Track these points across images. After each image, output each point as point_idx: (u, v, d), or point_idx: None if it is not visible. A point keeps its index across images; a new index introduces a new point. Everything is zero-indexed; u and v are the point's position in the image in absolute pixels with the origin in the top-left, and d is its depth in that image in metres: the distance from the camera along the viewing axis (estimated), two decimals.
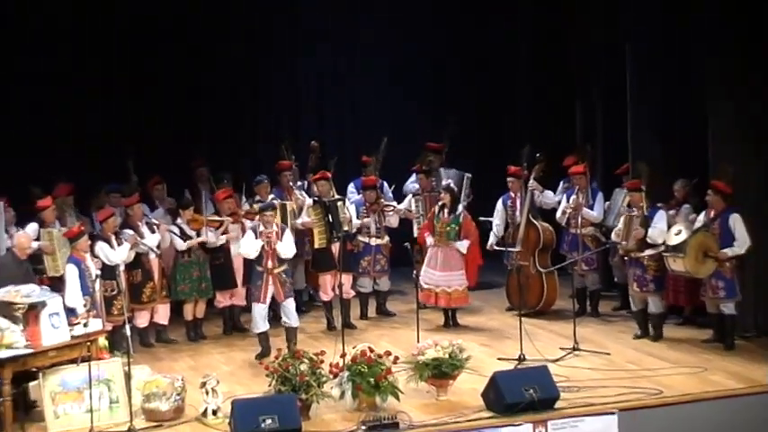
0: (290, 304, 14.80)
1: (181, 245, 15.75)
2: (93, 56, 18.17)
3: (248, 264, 15.81)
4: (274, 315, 16.12)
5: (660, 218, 14.83)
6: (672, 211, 15.06)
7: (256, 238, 14.61)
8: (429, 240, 16.00)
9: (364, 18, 19.52)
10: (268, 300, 14.66)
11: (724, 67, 15.08)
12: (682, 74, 15.89)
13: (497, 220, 16.66)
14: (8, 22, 17.54)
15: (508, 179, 16.63)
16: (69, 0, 17.98)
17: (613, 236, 15.42)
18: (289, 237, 14.88)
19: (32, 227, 14.86)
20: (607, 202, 16.41)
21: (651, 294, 15.06)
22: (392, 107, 19.17)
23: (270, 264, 14.58)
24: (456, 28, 19.97)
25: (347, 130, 19.48)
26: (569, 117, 18.15)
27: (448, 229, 15.92)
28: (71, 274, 13.75)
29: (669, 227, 14.75)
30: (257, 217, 15.07)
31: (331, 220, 15.88)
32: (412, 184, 17.42)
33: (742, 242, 14.35)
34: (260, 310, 14.73)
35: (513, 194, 16.61)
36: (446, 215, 15.95)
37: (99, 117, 17.87)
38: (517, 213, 16.48)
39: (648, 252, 14.80)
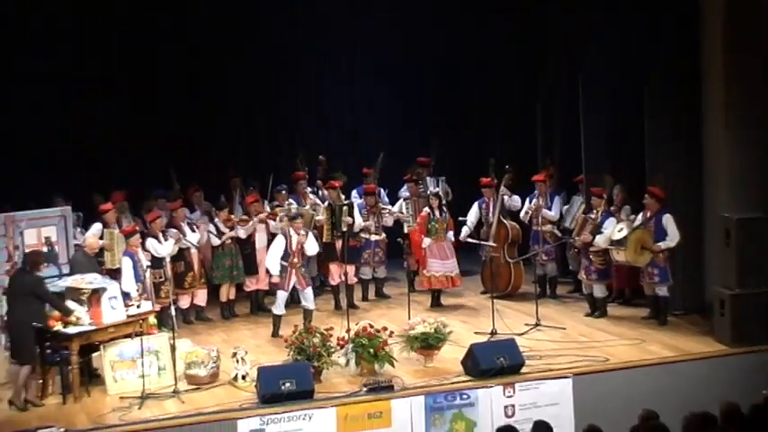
0: (309, 291, 14.78)
1: (216, 241, 15.74)
2: (143, 78, 17.51)
3: None
4: (292, 299, 16.19)
5: (609, 223, 14.83)
6: (618, 213, 15.05)
7: (285, 240, 14.54)
8: (427, 241, 15.91)
9: (367, 53, 19.25)
10: (289, 288, 14.61)
11: (660, 91, 15.08)
12: (624, 98, 15.85)
13: (471, 218, 16.63)
14: (66, 34, 17.01)
15: (482, 188, 16.61)
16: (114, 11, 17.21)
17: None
18: (312, 238, 14.91)
19: (96, 227, 14.85)
20: (566, 206, 16.38)
21: (595, 282, 15.08)
22: (389, 129, 19.03)
23: (295, 260, 14.55)
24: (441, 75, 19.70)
25: (351, 146, 19.35)
26: (532, 133, 18.06)
27: (445, 225, 15.96)
28: (126, 265, 13.79)
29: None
30: (284, 221, 15.09)
31: (334, 221, 15.91)
32: (404, 191, 17.39)
33: (673, 237, 14.36)
34: (282, 297, 14.70)
35: (486, 199, 16.60)
36: (439, 215, 15.98)
37: (146, 134, 17.38)
38: (490, 214, 16.47)
39: (594, 246, 14.84)
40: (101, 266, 14.08)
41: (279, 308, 14.74)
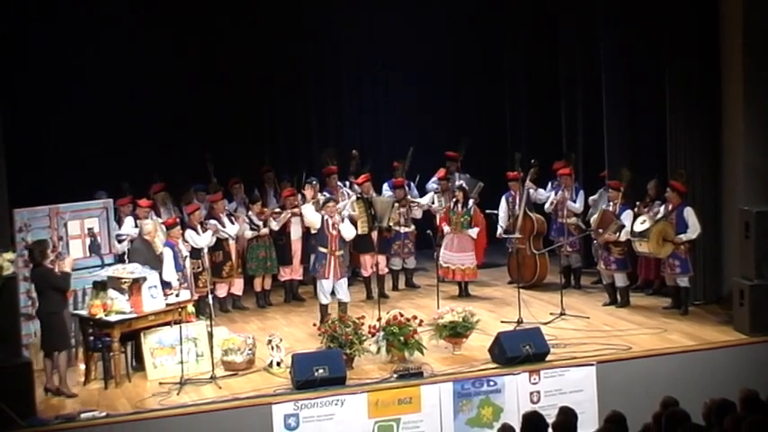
0: (344, 282, 14.80)
1: (249, 233, 15.79)
2: (188, 79, 17.46)
3: (305, 245, 16.04)
4: None
5: (626, 216, 14.84)
6: (646, 209, 14.99)
7: (323, 222, 14.62)
8: (446, 229, 15.99)
9: (397, 50, 19.21)
10: (331, 276, 14.55)
11: (679, 89, 15.04)
12: (645, 94, 15.86)
13: (502, 213, 16.65)
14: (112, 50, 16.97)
15: (509, 182, 16.65)
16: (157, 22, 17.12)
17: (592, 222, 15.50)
18: (348, 222, 15.03)
19: (129, 220, 14.98)
20: (592, 198, 16.32)
21: (615, 272, 15.09)
22: (417, 125, 19.03)
23: (333, 246, 14.56)
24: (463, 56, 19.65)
25: (383, 141, 19.36)
26: (557, 129, 18.05)
27: (462, 219, 15.95)
28: (167, 255, 13.83)
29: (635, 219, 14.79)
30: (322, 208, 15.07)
31: (374, 213, 15.94)
32: (433, 183, 17.40)
33: (694, 229, 14.36)
34: (324, 285, 14.63)
35: (513, 192, 16.61)
36: (460, 209, 15.99)
37: (183, 128, 17.39)
38: (516, 207, 16.49)
39: (613, 237, 14.83)
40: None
41: (324, 297, 14.64)
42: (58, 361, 12.18)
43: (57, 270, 12.31)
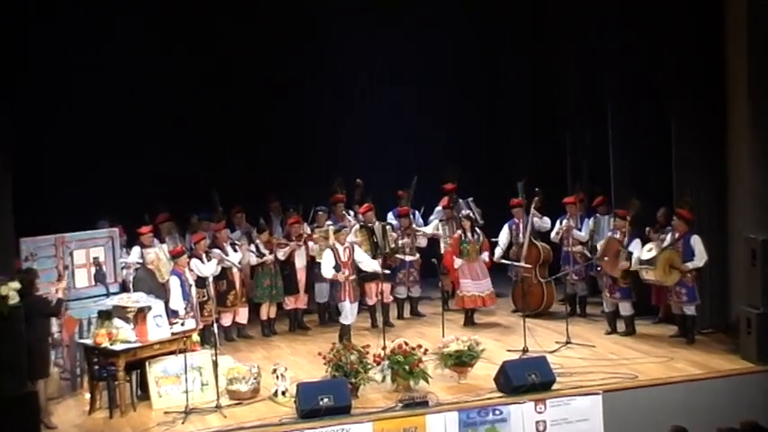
0: (354, 307, 15.01)
1: (254, 260, 15.78)
2: (187, 105, 17.33)
3: (309, 274, 16.11)
4: (330, 316, 16.21)
5: (635, 245, 14.81)
6: (656, 234, 14.95)
7: (334, 256, 14.79)
8: (458, 262, 15.96)
9: (399, 80, 19.18)
10: (350, 298, 14.89)
11: (686, 118, 15.06)
12: (651, 124, 15.84)
13: (503, 239, 16.62)
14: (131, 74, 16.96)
15: (512, 210, 16.62)
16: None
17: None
18: (361, 252, 15.21)
19: (135, 249, 14.97)
20: (588, 225, 16.28)
21: (620, 300, 15.05)
22: (420, 156, 19.00)
23: (347, 272, 14.80)
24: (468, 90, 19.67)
25: (386, 171, 19.34)
26: (561, 157, 18.04)
27: (477, 247, 15.98)
28: (174, 283, 13.87)
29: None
30: (331, 237, 15.33)
31: (376, 240, 15.94)
32: (437, 213, 17.37)
33: (700, 257, 14.34)
34: (346, 307, 14.91)
35: (516, 220, 16.59)
36: (471, 237, 15.99)
37: (189, 158, 17.34)
38: (520, 235, 16.47)
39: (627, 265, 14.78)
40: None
41: (346, 318, 14.93)
42: (40, 389, 12.06)
43: (51, 296, 12.33)
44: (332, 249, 14.96)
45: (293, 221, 16.12)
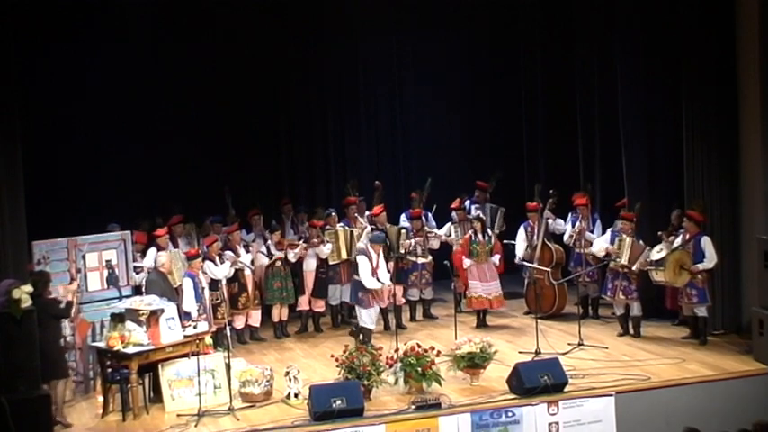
0: (376, 311, 14.97)
1: (265, 260, 15.77)
2: (201, 109, 17.49)
3: (317, 277, 16.10)
4: (342, 318, 16.20)
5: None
6: (670, 237, 14.87)
7: (368, 258, 14.65)
8: (467, 262, 15.90)
9: (415, 84, 19.32)
10: (375, 304, 14.81)
11: (697, 118, 15.00)
12: (664, 123, 15.81)
13: (520, 241, 16.58)
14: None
15: (528, 213, 16.60)
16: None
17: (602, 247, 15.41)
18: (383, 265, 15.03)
19: (151, 251, 14.98)
20: (610, 229, 16.24)
21: (634, 300, 15.00)
22: (435, 155, 19.04)
23: (385, 282, 14.81)
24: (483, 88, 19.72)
25: (400, 172, 19.35)
26: (574, 159, 17.99)
27: (487, 249, 15.93)
28: (188, 285, 13.88)
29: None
30: (341, 239, 15.49)
31: (389, 243, 15.89)
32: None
33: (711, 259, 14.32)
34: (371, 313, 14.80)
35: (531, 223, 16.55)
36: (482, 238, 15.96)
37: (202, 161, 17.45)
38: (535, 238, 16.43)
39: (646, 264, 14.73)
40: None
41: (372, 323, 14.84)
42: (56, 390, 12.13)
43: (60, 298, 12.37)
44: (366, 256, 14.72)
45: (319, 224, 16.07)
